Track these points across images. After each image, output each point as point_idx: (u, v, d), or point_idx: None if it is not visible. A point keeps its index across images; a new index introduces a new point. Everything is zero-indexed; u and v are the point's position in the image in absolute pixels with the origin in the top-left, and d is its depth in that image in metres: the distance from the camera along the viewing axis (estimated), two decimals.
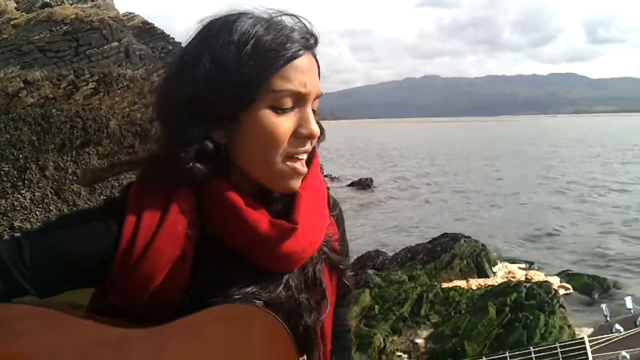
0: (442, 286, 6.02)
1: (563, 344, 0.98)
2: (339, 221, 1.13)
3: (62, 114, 9.80)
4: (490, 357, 1.02)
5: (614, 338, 1.00)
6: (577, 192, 17.68)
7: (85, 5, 13.35)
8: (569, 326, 5.21)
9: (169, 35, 16.13)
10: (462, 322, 5.21)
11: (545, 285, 5.65)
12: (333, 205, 1.10)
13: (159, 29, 16.25)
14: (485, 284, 6.43)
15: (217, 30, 0.92)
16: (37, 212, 9.35)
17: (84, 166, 10.07)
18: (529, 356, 0.98)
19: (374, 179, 21.18)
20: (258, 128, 0.91)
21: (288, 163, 0.94)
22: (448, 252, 7.82)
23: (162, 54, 14.01)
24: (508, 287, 5.61)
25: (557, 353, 0.97)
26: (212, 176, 0.93)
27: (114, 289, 0.90)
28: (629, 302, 1.04)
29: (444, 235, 8.33)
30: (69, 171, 9.89)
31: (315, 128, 0.93)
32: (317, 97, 0.96)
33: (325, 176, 17.62)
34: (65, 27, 11.95)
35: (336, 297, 1.09)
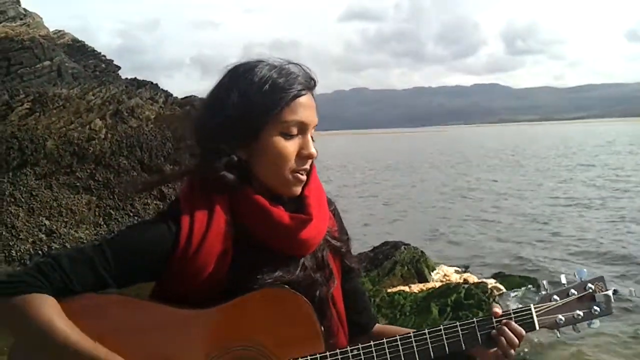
0: (387, 291, 6.35)
1: (515, 310, 1.29)
2: (336, 215, 1.44)
3: None
4: (432, 330, 1.27)
5: (553, 305, 1.32)
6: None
7: (14, 24, 13.12)
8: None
9: (100, 53, 15.94)
10: (408, 323, 5.55)
11: (482, 286, 6.09)
12: (329, 203, 1.40)
13: (90, 47, 16.02)
14: (426, 288, 6.81)
15: (243, 73, 1.23)
16: None
17: (21, 187, 9.93)
18: (490, 322, 1.28)
19: None
20: (271, 149, 1.22)
21: (293, 175, 1.25)
22: (389, 259, 8.18)
23: (96, 72, 13.86)
24: (448, 288, 6.00)
25: (511, 318, 1.27)
26: (239, 183, 1.22)
27: (173, 279, 1.18)
28: (563, 279, 1.35)
29: (385, 243, 8.68)
30: (6, 193, 9.72)
31: (313, 151, 1.26)
32: (314, 126, 1.26)
33: None
34: None
35: (341, 275, 1.39)
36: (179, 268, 1.18)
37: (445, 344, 1.24)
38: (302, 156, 1.26)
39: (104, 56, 15.79)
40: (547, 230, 12.41)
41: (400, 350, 1.23)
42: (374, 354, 1.22)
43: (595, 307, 1.33)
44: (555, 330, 1.33)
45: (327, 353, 1.20)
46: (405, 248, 8.50)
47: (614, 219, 13.34)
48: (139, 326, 1.15)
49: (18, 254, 9.88)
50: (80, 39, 15.74)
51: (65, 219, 11.17)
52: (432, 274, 8.27)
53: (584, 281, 1.35)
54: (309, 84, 1.27)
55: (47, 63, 12.39)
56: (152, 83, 14.16)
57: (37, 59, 12.17)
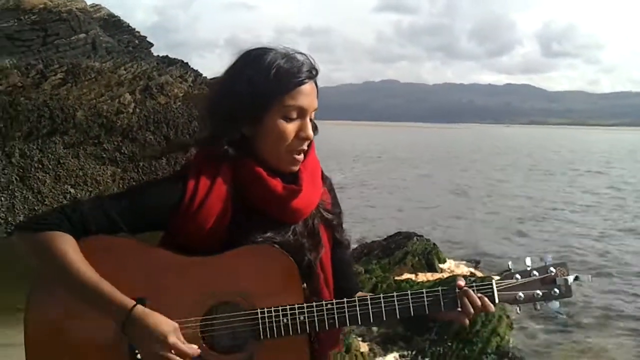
0: (395, 278, 6.50)
1: (477, 282, 1.43)
2: (331, 190, 1.59)
3: (29, 103, 9.92)
4: (400, 294, 1.41)
5: (514, 283, 1.45)
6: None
7: None
8: (507, 316, 5.77)
9: (134, 29, 16.22)
10: None
11: (487, 279, 6.19)
12: (324, 178, 1.55)
13: (125, 22, 16.29)
14: (433, 278, 6.96)
15: (253, 59, 1.39)
16: (2, 198, 9.48)
17: (49, 155, 10.24)
18: (454, 292, 1.42)
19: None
20: (273, 130, 1.38)
21: (290, 154, 1.41)
22: (401, 249, 8.33)
23: (129, 48, 14.12)
24: (453, 280, 6.12)
25: (472, 288, 1.41)
26: (241, 156, 1.38)
27: (178, 230, 1.36)
28: (528, 261, 1.48)
29: (398, 233, 8.83)
30: (35, 159, 10.04)
31: (310, 133, 1.41)
32: (314, 110, 1.42)
33: None
34: (33, 17, 12.01)
35: (332, 245, 1.54)
36: (183, 222, 1.35)
37: (411, 307, 1.38)
38: (300, 137, 1.40)
39: (138, 32, 16.07)
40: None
41: (370, 308, 1.37)
42: (346, 309, 1.37)
43: (555, 289, 1.44)
44: (515, 306, 1.47)
45: (305, 305, 1.36)
46: (417, 239, 8.65)
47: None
48: (141, 266, 1.33)
49: None
50: (116, 14, 16.02)
51: (90, 189, 11.49)
52: (442, 265, 8.40)
53: (547, 265, 1.47)
54: (311, 73, 1.40)
55: (82, 36, 12.67)
56: (182, 62, 14.41)
57: (73, 31, 12.46)
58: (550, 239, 11.90)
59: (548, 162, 36.86)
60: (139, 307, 1.26)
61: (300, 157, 1.42)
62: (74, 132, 10.82)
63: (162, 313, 1.29)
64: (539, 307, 1.47)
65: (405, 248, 8.35)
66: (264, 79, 1.35)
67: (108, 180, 11.78)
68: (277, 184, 1.39)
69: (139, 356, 1.31)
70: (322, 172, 1.54)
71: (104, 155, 11.79)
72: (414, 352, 5.47)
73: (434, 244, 8.83)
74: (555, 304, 1.47)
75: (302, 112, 1.39)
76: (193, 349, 1.29)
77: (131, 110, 12.28)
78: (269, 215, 1.41)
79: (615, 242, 11.74)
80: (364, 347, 5.46)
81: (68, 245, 1.27)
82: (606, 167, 33.69)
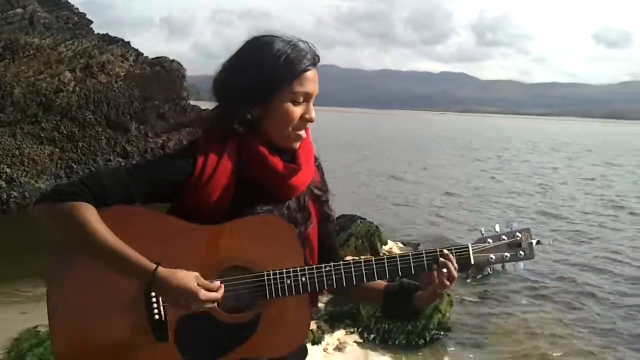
0: None
1: (456, 247, 1.60)
2: (320, 169, 1.73)
3: None
4: (390, 257, 1.58)
5: (486, 246, 1.63)
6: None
7: None
8: (448, 294, 6.09)
9: (73, 6, 15.74)
10: None
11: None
12: (315, 158, 1.69)
13: None
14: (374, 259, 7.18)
15: (262, 45, 1.52)
16: None
17: None
18: (436, 255, 1.59)
19: None
20: (282, 111, 1.51)
21: (295, 133, 1.55)
22: (345, 231, 8.54)
23: (69, 25, 13.72)
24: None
25: (452, 252, 1.59)
26: (247, 135, 1.51)
27: (186, 202, 1.49)
28: (497, 227, 1.67)
29: (342, 216, 9.03)
30: None
31: (313, 116, 1.56)
32: (316, 95, 1.56)
33: None
34: None
35: (320, 219, 1.69)
36: (192, 194, 1.47)
37: (399, 267, 1.56)
38: (304, 119, 1.54)
39: (77, 9, 15.61)
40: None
41: (362, 269, 1.54)
42: (342, 271, 1.53)
43: (521, 252, 1.64)
44: (487, 267, 1.66)
45: (306, 267, 1.51)
46: (361, 222, 8.88)
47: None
48: (155, 233, 1.44)
49: None
50: None
51: (27, 169, 11.19)
52: (384, 247, 8.68)
53: (514, 230, 1.66)
54: (315, 60, 1.53)
55: (19, 10, 12.24)
56: (123, 40, 14.11)
57: (9, 5, 12.01)
58: (479, 221, 12.43)
59: (477, 148, 38.13)
60: (161, 268, 1.37)
61: (304, 134, 1.56)
62: (11, 110, 10.52)
63: None
64: (507, 268, 1.66)
65: (349, 230, 8.56)
66: (274, 65, 1.47)
67: (46, 160, 11.51)
68: (277, 162, 1.52)
69: (156, 315, 1.43)
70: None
71: (42, 135, 11.50)
72: (359, 329, 5.71)
73: (377, 226, 9.09)
74: (520, 265, 1.66)
75: (307, 97, 1.52)
76: (218, 286, 1.41)
77: (71, 89, 12.00)
78: (267, 191, 1.54)
79: (539, 224, 12.34)
80: (312, 325, 5.63)
81: (92, 215, 1.36)
82: (531, 153, 35.18)
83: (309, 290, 1.52)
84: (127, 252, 1.36)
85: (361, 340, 5.53)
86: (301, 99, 1.52)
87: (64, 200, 1.37)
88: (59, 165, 11.84)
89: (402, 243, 9.82)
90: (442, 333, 5.69)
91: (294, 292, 1.49)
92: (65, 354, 1.45)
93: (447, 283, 1.58)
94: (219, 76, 1.56)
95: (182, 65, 14.83)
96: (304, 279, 1.50)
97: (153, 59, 14.74)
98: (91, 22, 14.89)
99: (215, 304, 1.42)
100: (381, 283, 1.69)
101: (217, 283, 1.42)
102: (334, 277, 1.53)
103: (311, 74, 1.53)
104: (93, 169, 11.20)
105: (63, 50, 11.79)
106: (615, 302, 7.31)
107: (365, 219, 9.16)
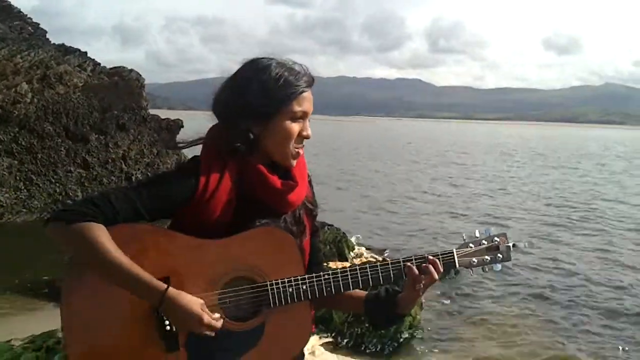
0: None
1: (442, 253, 1.73)
2: (311, 184, 1.83)
3: None
4: (383, 263, 1.70)
5: (469, 251, 1.76)
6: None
7: None
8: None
9: (26, 15, 15.42)
10: None
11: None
12: (307, 175, 1.80)
13: (16, 7, 15.48)
14: (342, 265, 7.33)
15: (262, 68, 1.61)
16: None
17: None
18: (410, 259, 1.70)
19: None
20: (281, 129, 1.61)
21: (293, 150, 1.64)
22: None
23: (24, 35, 13.44)
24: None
25: (438, 257, 1.71)
26: (248, 154, 1.60)
27: (189, 218, 1.57)
28: (477, 233, 1.80)
29: None
30: None
31: (310, 133, 1.66)
32: (311, 113, 1.67)
33: None
34: None
35: (311, 231, 1.80)
36: (195, 211, 1.56)
37: (391, 273, 1.67)
38: (302, 136, 1.64)
39: (30, 18, 15.29)
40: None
41: (359, 275, 1.65)
42: (340, 278, 1.64)
43: (499, 255, 1.77)
44: (470, 270, 1.78)
45: (306, 276, 1.61)
46: (328, 228, 9.00)
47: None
48: (162, 248, 1.52)
49: None
50: None
51: None
52: (351, 253, 8.81)
53: (492, 235, 1.79)
54: (310, 82, 1.65)
55: None
56: (80, 50, 13.92)
57: None
58: (433, 225, 12.67)
59: (424, 153, 38.76)
60: (171, 289, 1.45)
61: (301, 152, 1.67)
62: None
63: (184, 289, 1.49)
64: (487, 269, 1.80)
65: None
66: (275, 87, 1.58)
67: (4, 173, 11.30)
68: (276, 180, 1.62)
69: (167, 326, 1.50)
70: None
71: (0, 147, 11.29)
72: (333, 334, 5.80)
73: (344, 232, 9.22)
74: (498, 266, 1.80)
75: (304, 115, 1.63)
76: (219, 319, 1.50)
77: (29, 100, 11.82)
78: (265, 205, 1.64)
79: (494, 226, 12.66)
80: None
81: (103, 235, 1.43)
82: (485, 158, 35.95)
83: (310, 297, 1.61)
84: (138, 272, 1.44)
85: (334, 346, 5.62)
86: (299, 117, 1.62)
87: (76, 220, 1.43)
88: (17, 178, 11.62)
89: (367, 248, 9.96)
90: (414, 335, 5.81)
91: (295, 300, 1.59)
92: None
93: (425, 287, 1.70)
94: (220, 95, 1.65)
95: (140, 75, 14.73)
96: (304, 287, 1.60)
97: (111, 68, 14.59)
98: (46, 32, 14.64)
99: (213, 333, 1.50)
100: (362, 291, 1.78)
101: (217, 315, 1.51)
102: (332, 284, 1.63)
103: (307, 94, 1.63)
104: (98, 192, 11.05)
105: (19, 62, 11.60)
106: (573, 300, 7.60)
107: (332, 225, 9.29)
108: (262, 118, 1.59)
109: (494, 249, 1.79)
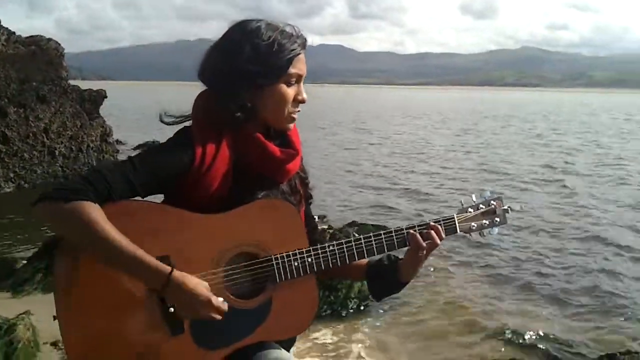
0: None
1: (443, 218, 1.68)
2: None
3: None
4: (386, 232, 1.63)
5: (468, 216, 1.72)
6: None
7: None
8: None
9: None
10: None
11: (345, 231, 6.65)
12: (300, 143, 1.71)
13: None
14: None
15: (252, 31, 1.51)
16: None
17: None
18: (413, 226, 1.65)
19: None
20: (277, 94, 1.52)
21: (289, 114, 1.56)
22: None
23: None
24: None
25: (439, 223, 1.66)
26: (244, 122, 1.50)
27: (185, 193, 1.46)
28: (473, 197, 1.77)
29: None
30: None
31: (305, 97, 1.59)
32: (305, 76, 1.59)
33: (117, 142, 16.51)
34: None
35: (305, 199, 1.72)
36: (192, 185, 1.44)
37: (395, 241, 1.61)
38: (297, 100, 1.56)
39: None
40: None
41: (363, 245, 1.59)
42: (344, 249, 1.56)
43: (496, 219, 1.75)
44: (469, 234, 1.75)
45: (310, 248, 1.54)
46: None
47: None
48: (160, 226, 1.40)
49: None
50: None
51: None
52: None
53: (488, 199, 1.77)
54: (304, 43, 1.56)
55: None
56: None
57: None
58: (345, 191, 12.69)
59: (362, 120, 39.01)
60: (176, 272, 1.33)
61: (296, 116, 1.59)
62: None
63: (185, 268, 1.37)
64: (485, 234, 1.77)
65: None
66: (269, 52, 1.48)
67: None
68: (275, 148, 1.54)
69: (171, 309, 1.39)
70: None
71: None
72: None
73: None
74: (495, 230, 1.78)
75: (299, 78, 1.55)
76: (224, 303, 1.40)
77: None
78: (260, 176, 1.55)
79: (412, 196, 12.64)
80: None
81: (98, 214, 1.30)
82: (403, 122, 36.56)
83: (316, 270, 1.55)
84: (139, 254, 1.32)
85: None
86: (294, 81, 1.54)
87: (68, 199, 1.29)
88: None
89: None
90: (364, 302, 5.74)
91: (302, 274, 1.52)
92: (81, 355, 1.39)
93: (427, 253, 1.65)
94: (208, 61, 1.54)
95: (60, 44, 13.98)
96: (309, 260, 1.53)
97: (27, 37, 13.77)
98: None
99: (220, 317, 1.40)
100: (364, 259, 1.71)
101: (221, 299, 1.40)
102: (337, 255, 1.56)
103: (302, 56, 1.56)
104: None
105: None
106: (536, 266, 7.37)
107: None
108: (258, 84, 1.50)
109: (491, 212, 1.77)
